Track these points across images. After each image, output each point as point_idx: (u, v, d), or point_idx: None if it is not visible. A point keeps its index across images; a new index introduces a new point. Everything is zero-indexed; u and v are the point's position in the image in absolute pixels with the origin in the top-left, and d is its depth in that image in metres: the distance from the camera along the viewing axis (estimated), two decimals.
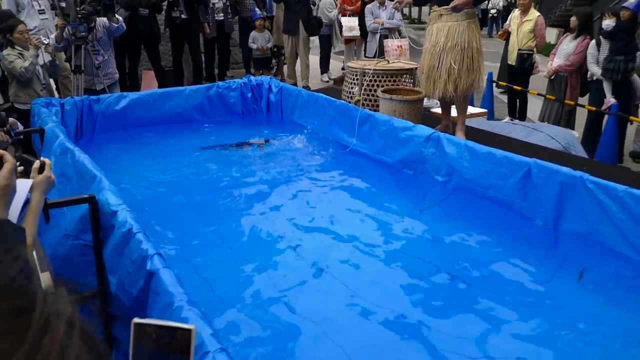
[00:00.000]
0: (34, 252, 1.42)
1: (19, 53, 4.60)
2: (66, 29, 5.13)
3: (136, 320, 0.92)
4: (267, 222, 3.40)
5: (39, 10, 5.96)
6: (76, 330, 0.35)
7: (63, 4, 4.99)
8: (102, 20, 5.41)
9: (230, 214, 3.52)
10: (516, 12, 6.68)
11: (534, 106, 7.05)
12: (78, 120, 4.75)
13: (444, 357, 2.23)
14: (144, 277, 2.10)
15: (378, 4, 7.55)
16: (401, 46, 6.70)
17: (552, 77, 6.14)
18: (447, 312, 2.53)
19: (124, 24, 5.64)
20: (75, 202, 2.63)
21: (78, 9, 5.00)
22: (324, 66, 8.85)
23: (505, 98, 7.38)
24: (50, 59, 4.69)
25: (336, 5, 8.41)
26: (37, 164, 1.44)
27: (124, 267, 2.31)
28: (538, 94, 6.34)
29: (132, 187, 3.82)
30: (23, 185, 1.41)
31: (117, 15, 5.54)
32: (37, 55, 4.55)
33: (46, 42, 4.59)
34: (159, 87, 6.69)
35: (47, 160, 1.47)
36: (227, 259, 2.96)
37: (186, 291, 1.91)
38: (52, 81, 5.59)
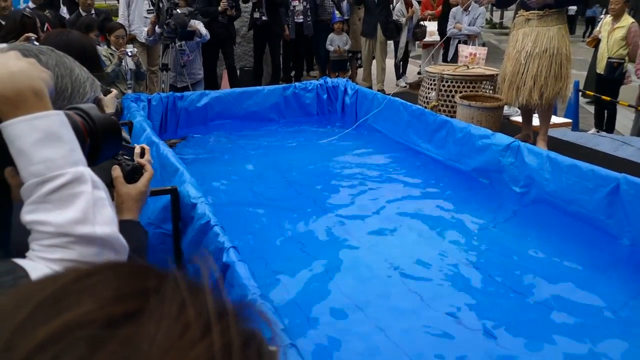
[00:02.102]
0: None
1: (110, 53, 4.89)
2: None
3: None
4: (338, 223, 3.41)
5: (147, 10, 6.28)
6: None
7: (162, 4, 5.26)
8: (191, 23, 5.65)
9: (301, 213, 3.57)
10: (607, 18, 6.32)
11: (623, 118, 6.64)
12: (163, 115, 5.00)
13: None
14: (219, 268, 2.17)
15: (462, 9, 7.40)
16: (474, 54, 6.52)
17: None
18: (516, 332, 2.43)
19: (207, 36, 5.86)
20: (158, 192, 2.76)
21: (168, 17, 5.25)
22: (400, 70, 8.77)
23: (591, 109, 6.99)
24: (135, 68, 4.95)
25: (407, 10, 8.23)
26: (138, 149, 1.54)
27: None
28: (629, 106, 5.96)
29: (209, 180, 3.97)
30: None
31: (200, 29, 5.73)
32: (119, 64, 4.82)
33: (131, 54, 4.85)
34: (231, 87, 6.89)
35: (146, 146, 1.57)
36: (297, 257, 3.00)
37: (258, 285, 1.96)
38: None
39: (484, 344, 2.33)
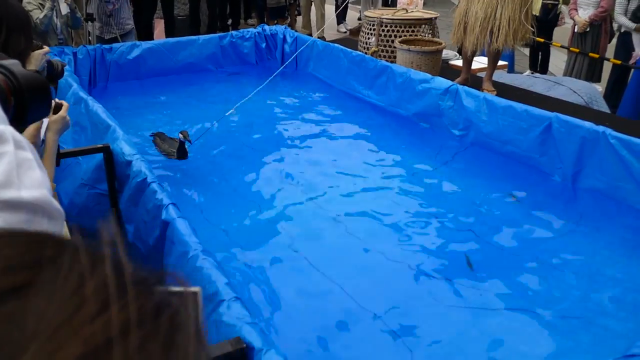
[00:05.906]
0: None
1: (39, 3, 4.48)
2: None
3: None
4: (282, 173, 3.38)
5: None
6: (201, 332, 0.31)
7: None
8: None
9: (244, 164, 3.51)
10: None
11: (557, 59, 6.83)
12: (91, 70, 4.70)
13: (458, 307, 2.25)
14: (159, 226, 2.11)
15: None
16: None
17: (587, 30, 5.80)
18: (461, 267, 2.53)
19: None
20: (89, 151, 2.63)
21: None
22: (341, 16, 8.60)
23: (526, 51, 7.15)
24: (69, 11, 4.57)
25: None
26: (52, 104, 1.44)
27: (140, 217, 2.33)
28: (561, 47, 6.13)
29: (144, 138, 3.82)
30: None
31: None
32: (53, 8, 4.43)
33: None
34: (167, 37, 6.56)
35: (64, 103, 1.48)
36: (241, 209, 2.97)
37: (201, 241, 1.92)
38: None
39: (429, 284, 2.42)
